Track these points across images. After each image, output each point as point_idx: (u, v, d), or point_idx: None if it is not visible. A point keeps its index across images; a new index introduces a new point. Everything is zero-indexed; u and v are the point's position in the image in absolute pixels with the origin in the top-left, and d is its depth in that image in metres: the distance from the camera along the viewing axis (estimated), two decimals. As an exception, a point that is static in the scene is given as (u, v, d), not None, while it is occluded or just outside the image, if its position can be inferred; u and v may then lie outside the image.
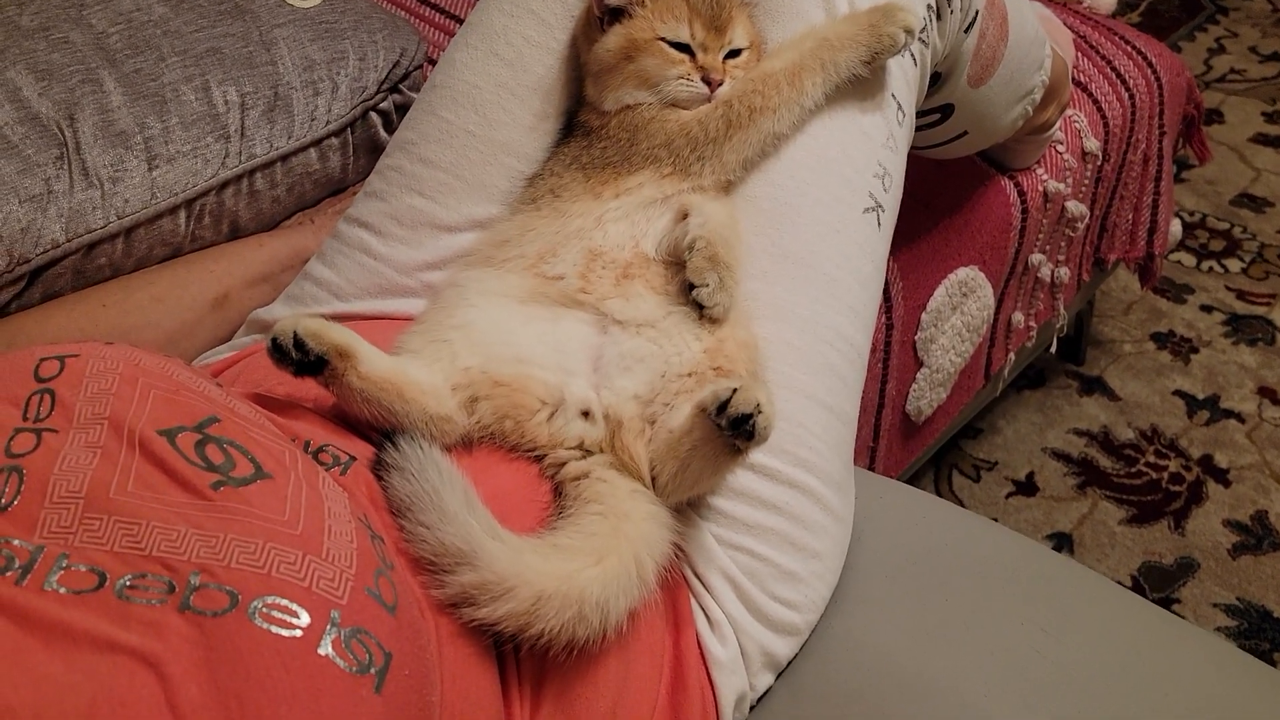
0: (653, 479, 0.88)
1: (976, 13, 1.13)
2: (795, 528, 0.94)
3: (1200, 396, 2.26)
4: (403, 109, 1.39)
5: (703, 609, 0.91)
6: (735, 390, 0.78)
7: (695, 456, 0.84)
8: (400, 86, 1.38)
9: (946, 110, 1.24)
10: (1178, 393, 2.28)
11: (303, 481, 0.71)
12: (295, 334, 0.82)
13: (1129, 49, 1.88)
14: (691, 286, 0.90)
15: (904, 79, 1.04)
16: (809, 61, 0.97)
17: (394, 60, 1.36)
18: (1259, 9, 3.67)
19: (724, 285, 0.90)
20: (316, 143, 1.30)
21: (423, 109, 1.10)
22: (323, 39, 1.31)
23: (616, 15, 1.00)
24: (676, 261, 0.95)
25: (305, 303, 1.10)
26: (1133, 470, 2.12)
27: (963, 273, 1.58)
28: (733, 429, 0.79)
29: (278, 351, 0.83)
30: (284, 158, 1.28)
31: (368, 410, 0.85)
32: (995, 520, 2.01)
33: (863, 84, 1.00)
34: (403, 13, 1.85)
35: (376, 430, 0.85)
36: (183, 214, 1.21)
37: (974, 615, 0.96)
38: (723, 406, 0.79)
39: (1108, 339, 2.42)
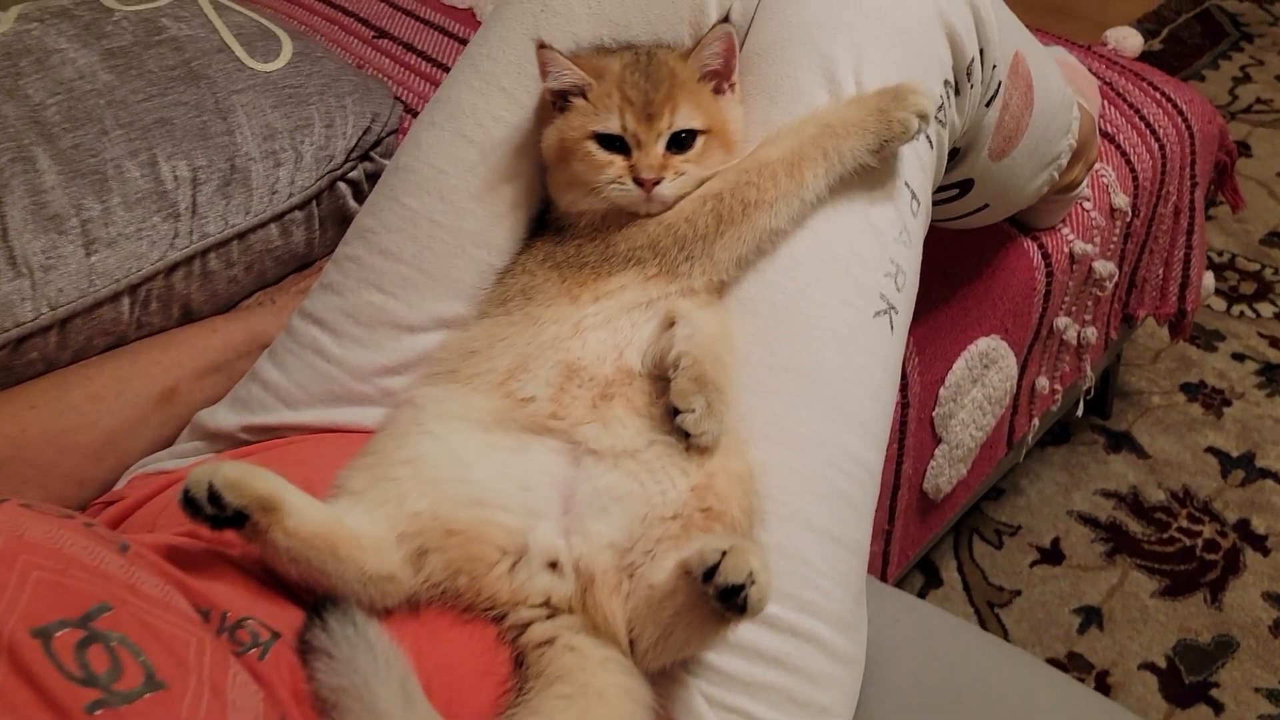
0: (630, 641, 0.76)
1: (999, 84, 1.01)
2: (799, 682, 0.83)
3: (1235, 454, 2.13)
4: (374, 177, 1.29)
5: (691, 782, 0.80)
6: (725, 554, 0.67)
7: (679, 624, 0.72)
8: (372, 154, 1.27)
9: (965, 185, 1.12)
10: (1211, 450, 2.15)
11: (205, 687, 0.60)
12: (210, 485, 0.71)
13: (1158, 96, 1.76)
14: (675, 412, 0.79)
15: (919, 164, 0.93)
16: (810, 150, 0.86)
17: (364, 126, 1.25)
18: (1286, 34, 3.54)
19: (712, 411, 0.79)
20: (278, 218, 1.20)
21: (384, 193, 0.99)
22: (285, 105, 1.21)
23: (564, 103, 0.89)
24: (664, 376, 0.84)
25: (251, 408, 0.99)
26: (1164, 536, 1.99)
27: (984, 343, 1.46)
28: (722, 600, 0.67)
29: (190, 505, 0.72)
30: (241, 235, 1.17)
31: (296, 570, 0.74)
32: (1019, 593, 1.89)
33: (872, 173, 0.88)
34: (389, 61, 1.75)
35: (308, 593, 0.74)
36: (126, 301, 1.10)
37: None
38: (710, 571, 0.67)
39: (1135, 390, 2.29)
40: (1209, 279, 1.94)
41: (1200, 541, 1.96)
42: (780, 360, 0.86)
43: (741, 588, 0.66)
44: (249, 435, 0.98)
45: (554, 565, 0.77)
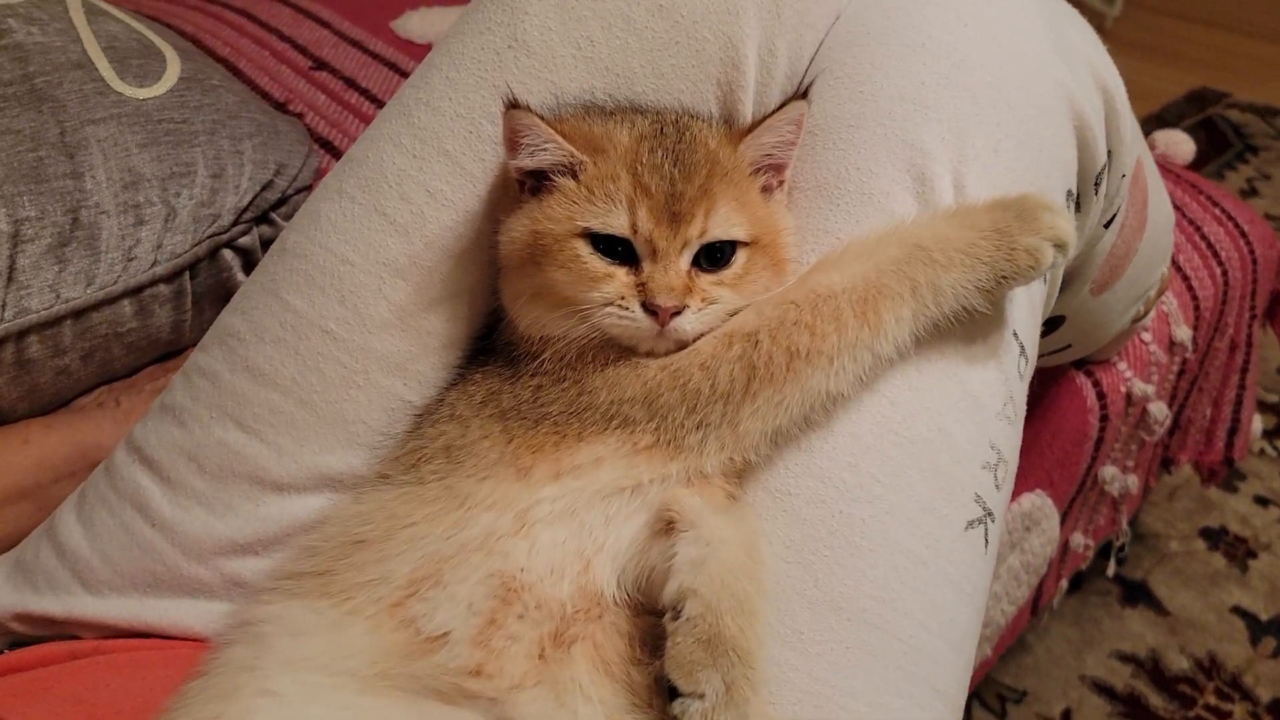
0: None
1: (1122, 202, 0.74)
2: None
3: (1264, 618, 1.89)
4: (274, 246, 0.99)
5: None
6: None
7: None
8: (273, 215, 0.97)
9: (1054, 323, 0.86)
10: (1237, 610, 1.90)
11: None
12: None
13: (1218, 212, 1.53)
14: (673, 691, 0.49)
15: (1030, 309, 0.65)
16: (892, 281, 0.58)
17: (265, 179, 0.96)
18: (1291, 149, 3.39)
19: (732, 697, 0.49)
20: (134, 292, 0.89)
21: (262, 285, 0.69)
22: (160, 144, 0.91)
23: (539, 184, 0.61)
24: (653, 610, 0.54)
25: (35, 584, 0.68)
26: (1190, 715, 1.73)
27: (1028, 500, 1.19)
28: None
29: None
30: (78, 313, 0.86)
31: None
32: (1024, 779, 1.61)
33: (973, 320, 0.60)
34: (324, 98, 1.46)
35: None
36: (-101, 396, 0.79)
37: None
38: None
39: (1151, 531, 2.05)
40: (1257, 423, 1.70)
41: (1230, 724, 1.70)
42: (829, 594, 0.57)
43: None
44: (22, 626, 0.67)
45: None
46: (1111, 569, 1.66)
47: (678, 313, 0.58)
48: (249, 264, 0.98)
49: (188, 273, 0.93)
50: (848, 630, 0.57)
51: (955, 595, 0.60)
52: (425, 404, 0.66)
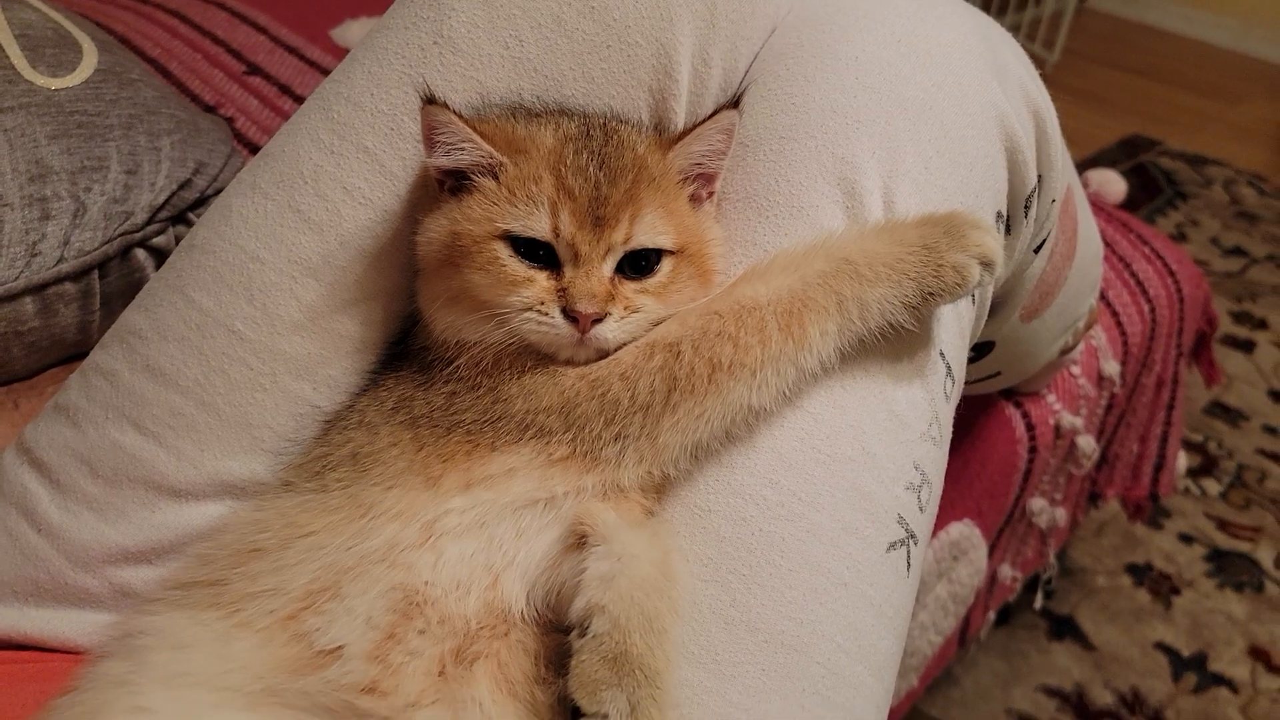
0: None
1: (1052, 228, 0.74)
2: None
3: (1185, 654, 1.91)
4: (192, 247, 0.95)
5: None
6: None
7: None
8: (190, 215, 0.93)
9: (983, 349, 0.85)
10: (1160, 646, 1.92)
11: None
12: None
13: (1147, 251, 1.55)
14: (576, 711, 0.47)
15: (958, 328, 0.64)
16: (818, 294, 0.56)
17: (183, 178, 0.92)
18: (1217, 199, 3.50)
19: (638, 718, 0.46)
20: (37, 289, 0.85)
21: (167, 282, 0.66)
22: (71, 136, 0.87)
23: (459, 184, 0.59)
24: (561, 628, 0.52)
25: (-91, 591, 0.63)
26: (1113, 752, 1.73)
27: (955, 530, 1.19)
28: None
29: None
30: (-25, 309, 0.82)
31: None
32: (949, 814, 1.60)
33: (899, 337, 0.59)
34: (256, 103, 1.43)
35: None
36: None
37: None
38: None
39: (1077, 566, 2.07)
40: (1182, 459, 1.73)
41: (1153, 760, 1.71)
42: (747, 615, 0.55)
43: None
44: (-112, 637, 0.62)
45: None
46: (1039, 602, 1.66)
47: (599, 320, 0.56)
48: (163, 264, 0.94)
49: (96, 271, 0.89)
50: (764, 653, 0.55)
51: (876, 619, 0.58)
52: (335, 410, 0.63)
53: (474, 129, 0.57)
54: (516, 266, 0.56)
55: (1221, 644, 1.94)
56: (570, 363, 0.58)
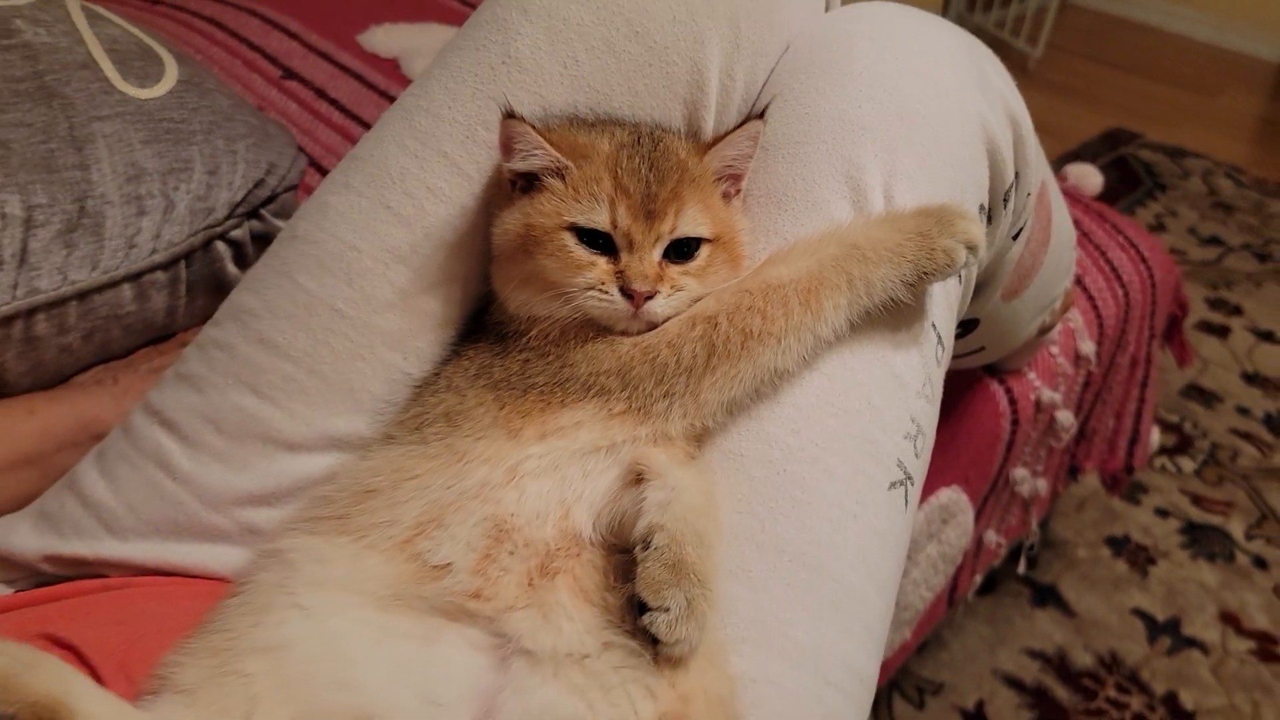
0: None
1: (1028, 218, 0.86)
2: None
3: (1161, 619, 2.03)
4: (262, 239, 1.06)
5: None
6: None
7: None
8: (262, 211, 1.04)
9: (969, 325, 0.97)
10: (1137, 612, 2.04)
11: None
12: (-33, 681, 0.47)
13: (1122, 239, 1.67)
14: (643, 608, 0.58)
15: (947, 304, 0.76)
16: (831, 275, 0.68)
17: (257, 177, 1.03)
18: (1195, 190, 3.62)
19: (693, 611, 0.58)
20: (134, 277, 0.96)
21: (274, 267, 0.77)
22: (160, 141, 0.98)
23: (530, 184, 0.70)
24: (622, 548, 0.63)
25: (62, 530, 0.74)
26: (1092, 706, 1.85)
27: (945, 494, 1.30)
28: None
29: (-70, 709, 0.48)
30: (82, 295, 0.93)
31: (83, 811, 0.50)
32: (940, 763, 1.72)
33: (898, 310, 0.71)
34: (295, 106, 1.53)
35: None
36: (-84, 366, 0.84)
37: None
38: None
39: (1060, 539, 2.18)
40: (1155, 434, 1.85)
41: (1129, 715, 1.84)
42: (774, 539, 0.67)
43: None
44: (53, 568, 0.73)
45: (460, 821, 0.55)
46: (1022, 567, 1.78)
47: (650, 297, 0.67)
48: (239, 255, 1.05)
49: (183, 261, 1.00)
50: (789, 570, 0.67)
51: (880, 545, 0.70)
52: (424, 376, 0.74)
53: (546, 138, 0.68)
54: (581, 253, 0.68)
55: (1194, 610, 2.06)
56: (625, 334, 0.69)
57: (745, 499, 0.68)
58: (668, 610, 0.58)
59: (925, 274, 0.69)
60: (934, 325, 0.75)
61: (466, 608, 0.60)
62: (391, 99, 1.58)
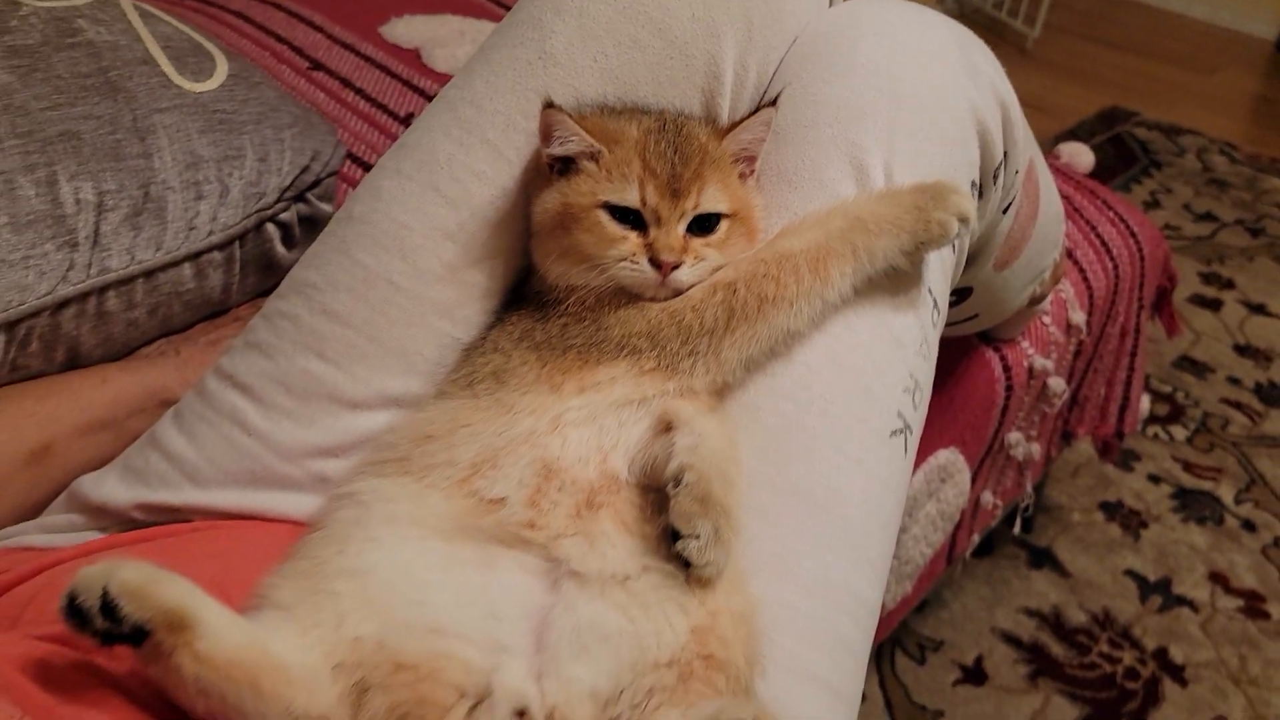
0: (609, 813, 0.63)
1: (1017, 193, 0.94)
2: None
3: (1152, 579, 2.12)
4: (308, 221, 1.14)
5: None
6: (748, 727, 0.55)
7: (677, 804, 0.59)
8: (308, 195, 1.13)
9: (964, 293, 1.05)
10: (1129, 572, 2.13)
11: None
12: (105, 592, 0.56)
13: (1111, 215, 1.75)
14: (677, 536, 0.67)
15: (942, 270, 0.84)
16: (838, 245, 0.76)
17: (303, 164, 1.11)
18: (1190, 166, 3.69)
19: (720, 538, 0.67)
20: (193, 257, 1.04)
21: (332, 245, 0.85)
22: (215, 131, 1.06)
23: (566, 167, 0.78)
24: (654, 487, 0.72)
25: (149, 482, 0.83)
26: (1086, 661, 1.94)
27: (943, 455, 1.39)
28: (741, 786, 0.55)
29: (75, 615, 0.57)
30: (148, 273, 1.01)
31: (204, 704, 0.59)
32: (942, 713, 1.81)
33: (898, 276, 0.79)
34: (324, 96, 1.61)
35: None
36: (1, 338, 0.93)
37: None
38: (729, 749, 0.55)
39: (1055, 504, 2.27)
40: (1145, 401, 1.93)
41: (1121, 669, 1.92)
42: (788, 481, 0.75)
43: (768, 771, 0.54)
44: (143, 515, 0.82)
45: (522, 714, 0.63)
46: (1018, 528, 1.87)
47: (676, 267, 0.75)
48: (287, 237, 1.13)
49: (237, 242, 1.08)
50: (801, 509, 0.75)
51: (882, 487, 0.79)
52: (471, 341, 0.82)
53: (581, 125, 0.76)
54: (614, 228, 0.76)
55: (1184, 570, 2.14)
56: (653, 300, 0.77)
57: (762, 446, 0.76)
58: (698, 537, 0.66)
59: (922, 244, 0.77)
60: (930, 291, 0.83)
61: (521, 536, 0.69)
62: (415, 88, 1.66)
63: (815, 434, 0.76)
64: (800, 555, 0.74)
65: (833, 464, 0.76)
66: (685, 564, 0.67)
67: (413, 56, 1.76)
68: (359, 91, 1.64)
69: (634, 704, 0.64)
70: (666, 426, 0.73)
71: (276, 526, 0.78)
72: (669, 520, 0.67)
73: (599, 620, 0.66)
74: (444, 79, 1.69)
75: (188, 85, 1.07)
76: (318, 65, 1.69)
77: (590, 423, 0.74)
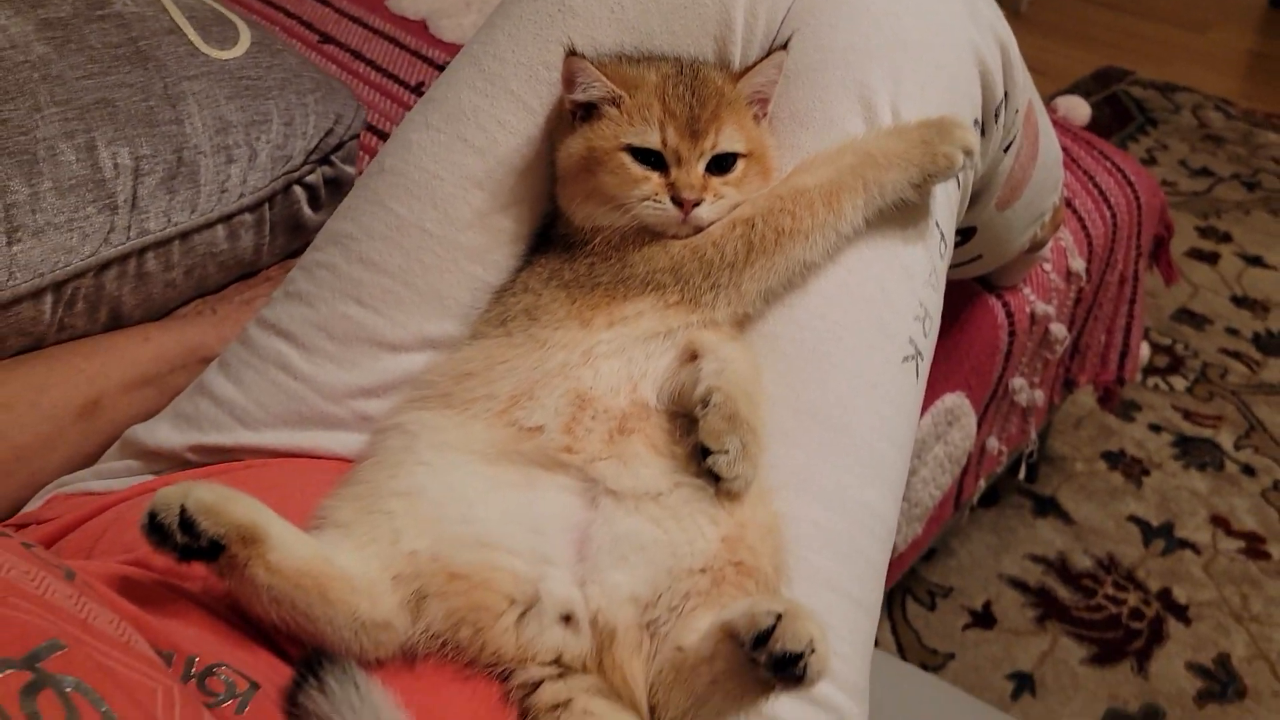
0: (651, 707, 0.67)
1: (1017, 131, 0.98)
2: (815, 755, 0.75)
3: (1155, 524, 2.17)
4: (333, 183, 1.18)
5: None
6: (780, 617, 0.59)
7: (716, 692, 0.64)
8: (332, 158, 1.17)
9: (968, 233, 1.09)
10: (1132, 518, 2.18)
11: None
12: (183, 510, 0.60)
13: (1109, 165, 1.79)
14: (706, 452, 0.72)
15: (948, 205, 0.88)
16: (850, 180, 0.80)
17: (326, 127, 1.15)
18: (1186, 123, 3.72)
19: (747, 453, 0.71)
20: (226, 219, 1.08)
21: (366, 197, 0.89)
22: (242, 97, 1.10)
23: (588, 113, 0.82)
24: (682, 413, 0.76)
25: (201, 426, 0.87)
26: (1092, 603, 1.99)
27: (950, 399, 1.43)
28: (776, 670, 0.59)
29: (156, 532, 0.61)
30: (184, 235, 1.05)
31: (276, 612, 0.63)
32: (953, 656, 1.86)
33: (906, 209, 0.83)
34: (335, 68, 1.65)
35: (286, 637, 0.64)
36: (49, 299, 0.97)
37: None
38: (762, 637, 0.59)
39: (1058, 455, 2.32)
40: (1145, 349, 1.98)
41: (1125, 610, 1.98)
42: (806, 405, 0.80)
43: (800, 656, 0.59)
44: (197, 456, 0.86)
45: (568, 619, 0.68)
46: (1022, 474, 1.92)
47: (697, 204, 0.79)
48: (313, 198, 1.17)
49: (267, 204, 1.12)
50: (820, 431, 0.80)
51: (895, 410, 0.83)
52: (501, 284, 0.86)
53: (602, 71, 0.80)
54: (636, 169, 0.80)
55: (1186, 515, 2.19)
56: (675, 237, 0.81)
57: (782, 373, 0.81)
58: (726, 452, 0.71)
59: (929, 176, 0.81)
60: (937, 224, 0.87)
61: (559, 459, 0.73)
62: (424, 58, 1.70)
63: (831, 360, 0.81)
64: (820, 474, 0.79)
65: (849, 388, 0.80)
66: (715, 479, 0.72)
67: (420, 27, 1.80)
68: (370, 63, 1.68)
69: (671, 607, 0.68)
70: (692, 355, 0.77)
71: (324, 463, 0.83)
72: (698, 439, 0.72)
73: (635, 532, 0.70)
74: (452, 48, 1.73)
75: (214, 53, 1.11)
76: (328, 38, 1.73)
77: (619, 355, 0.78)
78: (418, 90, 1.63)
